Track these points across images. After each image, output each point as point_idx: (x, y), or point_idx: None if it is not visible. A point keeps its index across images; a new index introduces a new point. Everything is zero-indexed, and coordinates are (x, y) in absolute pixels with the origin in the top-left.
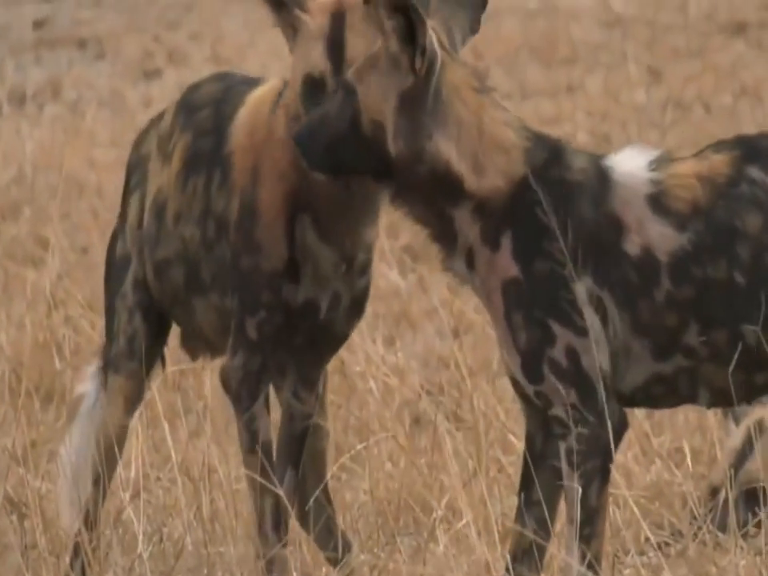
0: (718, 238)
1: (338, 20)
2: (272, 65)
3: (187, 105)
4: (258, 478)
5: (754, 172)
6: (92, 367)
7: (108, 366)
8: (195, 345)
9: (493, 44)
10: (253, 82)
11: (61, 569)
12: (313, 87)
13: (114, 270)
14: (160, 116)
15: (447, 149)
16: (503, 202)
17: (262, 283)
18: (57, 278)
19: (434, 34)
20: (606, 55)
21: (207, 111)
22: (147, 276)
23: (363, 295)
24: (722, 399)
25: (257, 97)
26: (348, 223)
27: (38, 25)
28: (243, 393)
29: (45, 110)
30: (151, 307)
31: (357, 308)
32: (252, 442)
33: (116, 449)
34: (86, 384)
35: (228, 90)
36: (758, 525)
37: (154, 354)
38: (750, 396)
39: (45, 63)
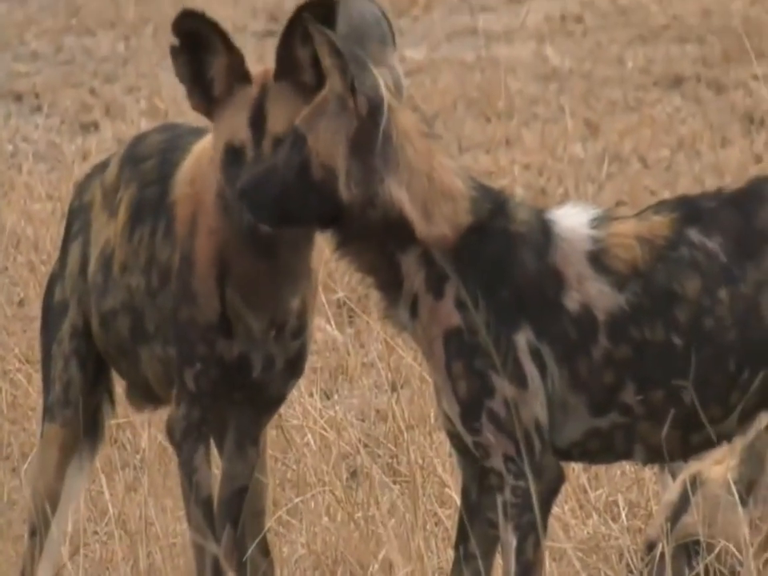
0: (656, 301)
1: (261, 90)
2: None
3: (132, 157)
4: (197, 536)
5: (694, 235)
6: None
7: (44, 413)
8: (139, 397)
9: (430, 96)
10: (199, 132)
11: None
12: (234, 156)
13: (51, 315)
14: (104, 165)
15: (399, 193)
16: (449, 250)
17: (198, 335)
18: None
19: (380, 77)
20: (543, 108)
21: (152, 162)
22: (93, 327)
23: (298, 357)
24: (657, 456)
25: (200, 147)
26: (269, 292)
27: None
28: (185, 444)
29: None
30: (88, 355)
31: (292, 369)
32: (192, 494)
33: (56, 502)
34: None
35: (174, 140)
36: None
37: (92, 402)
38: (685, 454)
39: None
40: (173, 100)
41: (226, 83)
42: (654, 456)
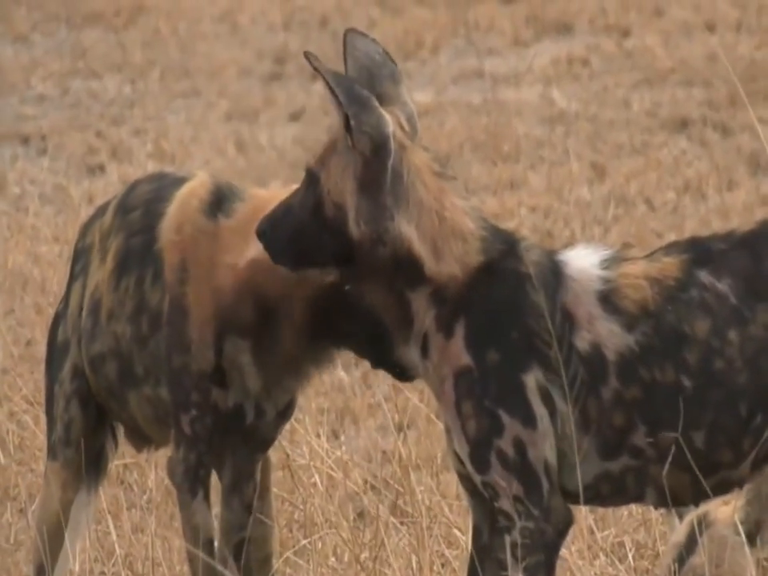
0: (666, 342)
1: None
2: (214, 160)
3: (123, 205)
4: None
5: (704, 276)
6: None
7: (48, 452)
8: (136, 437)
9: (437, 139)
10: (182, 180)
11: None
12: None
13: (54, 355)
14: (104, 208)
15: (408, 231)
16: (459, 289)
17: (192, 383)
18: (1, 372)
19: (390, 117)
20: (550, 151)
21: (138, 212)
22: (85, 369)
23: (288, 408)
24: (671, 502)
25: (184, 193)
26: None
27: None
28: (184, 486)
29: None
30: (90, 394)
31: (282, 418)
32: (192, 536)
33: (62, 540)
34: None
35: (159, 191)
36: None
37: (95, 442)
38: (697, 499)
39: None
40: (179, 142)
41: None
42: (665, 500)
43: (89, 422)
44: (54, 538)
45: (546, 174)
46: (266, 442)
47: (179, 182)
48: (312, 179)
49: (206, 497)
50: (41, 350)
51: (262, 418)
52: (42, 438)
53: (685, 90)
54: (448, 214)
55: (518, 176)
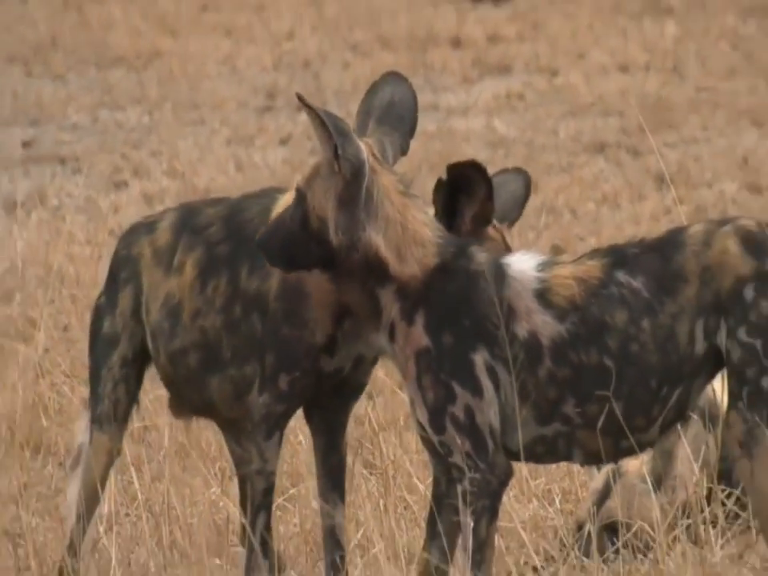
0: (590, 330)
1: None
2: (217, 177)
3: (190, 228)
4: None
5: (621, 276)
6: (85, 419)
7: (94, 423)
8: (183, 409)
9: (400, 161)
10: (264, 195)
11: None
12: None
13: (100, 343)
14: (149, 226)
15: (377, 239)
16: (419, 285)
17: (302, 351)
18: (43, 351)
19: (365, 147)
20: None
21: (216, 227)
22: (160, 362)
23: (376, 357)
24: (593, 459)
25: (287, 199)
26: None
27: (26, 145)
28: (261, 428)
29: (32, 215)
30: (133, 381)
31: (374, 361)
32: (250, 475)
33: (99, 493)
34: (82, 434)
35: (235, 206)
36: (616, 551)
37: (130, 414)
38: (616, 458)
39: (32, 176)
40: (189, 162)
41: (472, 225)
42: (590, 459)
43: (130, 403)
44: (94, 492)
45: None
46: (359, 388)
47: (256, 197)
48: (300, 197)
49: (279, 443)
50: (76, 333)
51: (358, 368)
52: (76, 404)
53: (603, 119)
54: (410, 225)
55: None
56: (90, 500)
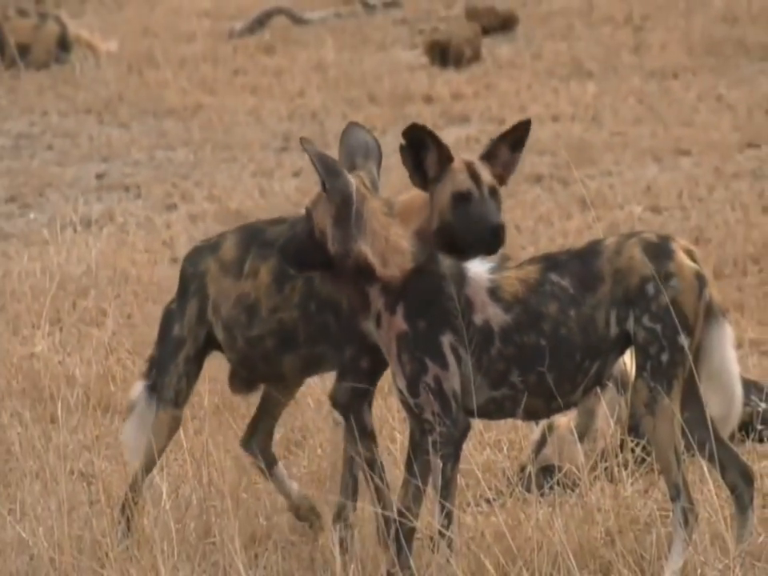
0: (530, 318)
1: (468, 162)
2: (245, 201)
3: (259, 242)
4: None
5: (553, 277)
6: (140, 384)
7: (159, 403)
8: (242, 386)
9: (388, 185)
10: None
11: (114, 516)
12: (460, 199)
13: (170, 343)
14: (214, 248)
15: (366, 249)
16: (398, 284)
17: (372, 341)
18: (112, 334)
19: (357, 179)
20: None
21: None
22: (237, 345)
23: None
24: (532, 416)
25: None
26: None
27: (99, 176)
28: (353, 407)
29: (103, 230)
30: (192, 375)
31: None
32: (364, 433)
33: (157, 457)
34: (136, 393)
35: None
36: (551, 488)
37: (188, 399)
38: (549, 414)
39: (103, 200)
40: (224, 190)
41: (437, 168)
42: (530, 416)
43: (189, 391)
44: (154, 455)
45: None
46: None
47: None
48: (308, 216)
49: (369, 411)
50: (136, 320)
51: None
52: (136, 374)
53: (539, 157)
54: (391, 238)
55: None
56: (151, 461)
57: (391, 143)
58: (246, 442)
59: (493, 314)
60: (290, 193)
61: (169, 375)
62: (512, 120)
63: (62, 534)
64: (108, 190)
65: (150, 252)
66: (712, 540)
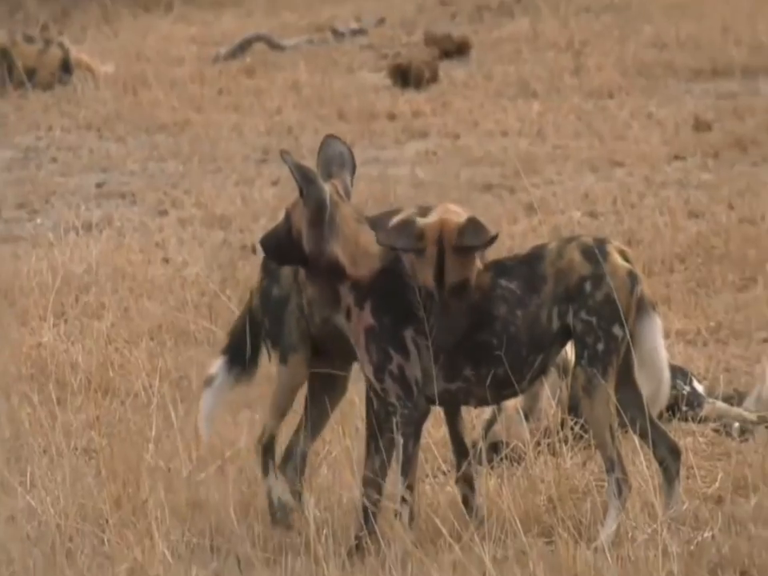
0: (483, 318)
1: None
2: (229, 208)
3: None
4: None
5: (503, 281)
6: (221, 359)
7: (281, 358)
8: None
9: (354, 196)
10: (393, 212)
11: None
12: None
13: (273, 304)
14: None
15: (337, 250)
16: (366, 282)
17: None
18: (110, 325)
19: (331, 187)
20: (417, 203)
21: None
22: (315, 322)
23: None
24: (483, 403)
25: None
26: None
27: (99, 185)
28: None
29: (103, 233)
30: (304, 321)
31: None
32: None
33: (286, 409)
34: (216, 368)
35: (377, 222)
36: (500, 461)
37: (308, 346)
38: (498, 401)
39: (102, 207)
40: (209, 198)
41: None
42: (481, 403)
43: (306, 336)
44: (286, 407)
45: None
46: None
47: (380, 218)
48: (287, 216)
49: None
50: (132, 314)
51: None
52: (133, 362)
53: (490, 168)
54: (361, 241)
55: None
56: (282, 413)
57: (358, 156)
58: (282, 467)
59: None
60: (268, 200)
61: (285, 325)
62: (465, 136)
63: (67, 503)
64: (107, 198)
65: (144, 252)
66: (642, 507)
